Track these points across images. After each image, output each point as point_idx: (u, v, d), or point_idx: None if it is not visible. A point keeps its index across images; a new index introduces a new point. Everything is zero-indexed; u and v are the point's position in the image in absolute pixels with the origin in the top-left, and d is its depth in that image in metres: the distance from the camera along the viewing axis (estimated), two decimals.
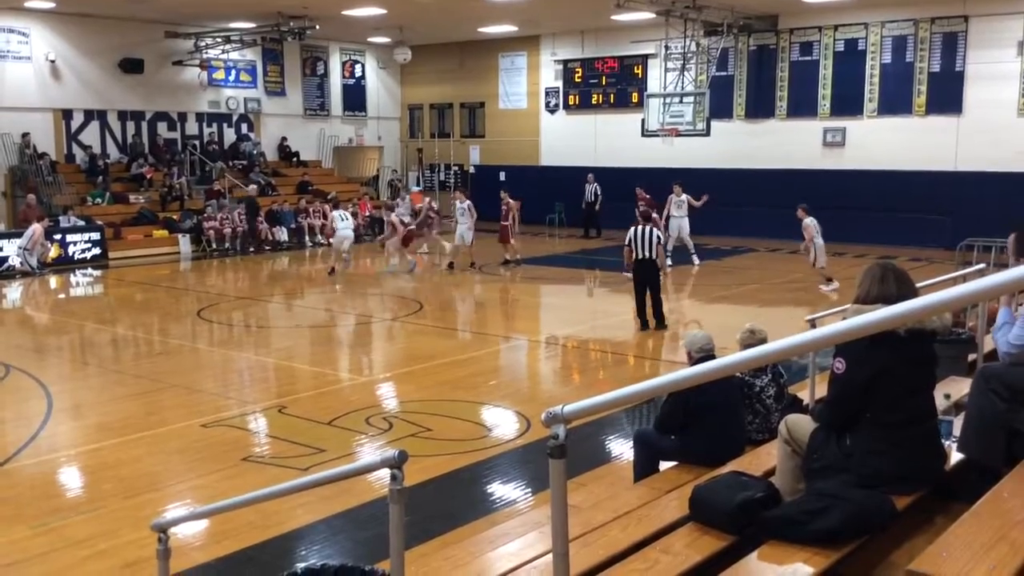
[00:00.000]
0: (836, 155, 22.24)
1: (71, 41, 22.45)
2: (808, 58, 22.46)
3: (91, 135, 23.24)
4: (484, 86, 28.16)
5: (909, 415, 4.01)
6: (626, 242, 12.51)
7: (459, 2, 20.71)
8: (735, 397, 5.76)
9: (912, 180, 20.84)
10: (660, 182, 23.47)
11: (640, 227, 12.29)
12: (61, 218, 20.28)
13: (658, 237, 12.25)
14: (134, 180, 23.09)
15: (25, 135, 21.70)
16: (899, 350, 3.92)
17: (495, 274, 18.31)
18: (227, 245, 21.78)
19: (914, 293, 4.09)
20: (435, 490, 6.78)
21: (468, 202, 18.98)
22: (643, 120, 23.16)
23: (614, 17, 21.67)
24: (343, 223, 18.35)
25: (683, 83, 21.75)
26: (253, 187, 23.97)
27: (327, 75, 28.18)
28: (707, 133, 21.76)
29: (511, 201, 19.66)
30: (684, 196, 18.86)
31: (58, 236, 19.64)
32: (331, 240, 18.93)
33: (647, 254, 12.20)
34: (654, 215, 13.80)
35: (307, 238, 23.18)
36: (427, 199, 21.90)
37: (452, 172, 28.97)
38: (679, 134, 21.98)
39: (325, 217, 23.64)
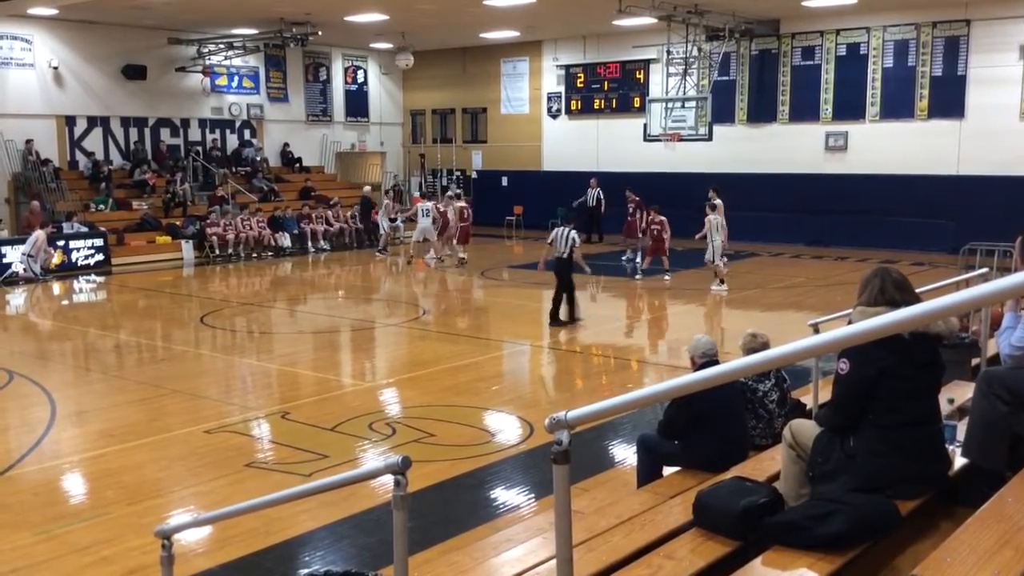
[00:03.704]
0: (838, 159, 22.24)
1: (74, 48, 22.51)
2: (810, 62, 22.47)
3: (94, 141, 23.29)
4: (486, 91, 28.19)
5: (912, 418, 4.01)
6: (548, 240, 13.39)
7: (461, 8, 20.74)
8: (738, 402, 5.75)
9: (914, 184, 20.83)
10: (662, 187, 23.55)
11: (561, 228, 13.19)
12: (64, 224, 20.31)
13: (574, 239, 13.06)
14: (137, 186, 23.13)
15: (28, 142, 21.74)
16: (903, 352, 3.92)
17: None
18: (230, 251, 21.80)
19: (914, 297, 4.10)
20: (438, 496, 6.77)
21: (430, 204, 20.89)
22: (645, 125, 23.20)
23: (616, 22, 21.70)
24: (424, 218, 20.00)
25: (685, 88, 21.77)
26: (368, 187, 25.09)
27: (329, 81, 28.23)
28: (709, 138, 21.79)
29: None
30: (718, 201, 18.69)
31: (61, 242, 19.66)
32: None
33: (564, 254, 13.03)
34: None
35: (310, 244, 23.20)
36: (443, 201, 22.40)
37: (454, 177, 28.99)
38: (681, 139, 22.01)
39: (329, 223, 23.79)
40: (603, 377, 11.18)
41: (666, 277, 17.67)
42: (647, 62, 24.77)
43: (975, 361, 6.70)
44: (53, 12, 20.76)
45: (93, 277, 19.51)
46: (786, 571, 3.52)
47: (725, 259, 16.42)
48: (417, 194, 27.37)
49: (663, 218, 17.67)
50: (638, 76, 25.09)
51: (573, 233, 13.13)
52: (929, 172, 20.78)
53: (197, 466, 7.59)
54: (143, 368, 11.46)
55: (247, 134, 26.46)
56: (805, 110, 22.56)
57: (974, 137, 20.28)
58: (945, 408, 4.80)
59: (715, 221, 16.23)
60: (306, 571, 5.69)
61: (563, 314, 13.32)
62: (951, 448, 4.38)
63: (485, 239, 21.09)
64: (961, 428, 4.60)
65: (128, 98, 23.58)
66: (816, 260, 20.52)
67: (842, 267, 19.22)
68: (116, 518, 6.48)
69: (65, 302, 17.58)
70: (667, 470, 5.71)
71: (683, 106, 21.47)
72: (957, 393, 5.34)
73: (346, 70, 28.69)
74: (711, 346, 5.91)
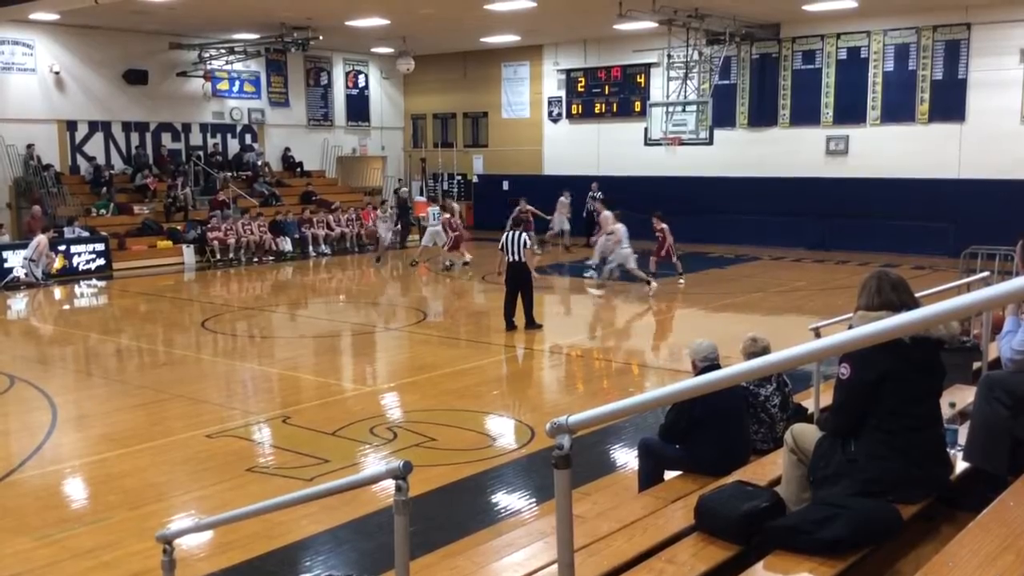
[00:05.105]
0: (839, 163, 22.25)
1: (75, 52, 22.55)
2: (811, 66, 22.49)
3: (95, 146, 23.32)
4: (487, 96, 28.21)
5: (914, 422, 4.01)
6: (499, 246, 13.33)
7: (462, 12, 20.77)
8: (739, 406, 5.75)
9: (915, 188, 20.83)
10: (663, 191, 23.59)
11: (511, 232, 13.13)
12: (65, 229, 20.33)
13: (525, 241, 13.05)
14: (138, 191, 23.16)
15: (30, 146, 21.77)
16: (904, 356, 3.92)
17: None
18: (231, 255, 21.81)
19: (912, 299, 4.10)
20: (440, 500, 6.77)
21: (439, 209, 21.19)
22: (646, 129, 23.19)
23: (616, 26, 21.71)
24: (433, 221, 20.33)
25: (686, 92, 21.77)
26: (404, 189, 25.67)
27: (330, 85, 28.27)
28: (710, 142, 21.79)
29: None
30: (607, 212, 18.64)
31: (62, 247, 19.68)
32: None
33: (517, 257, 12.96)
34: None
35: (311, 248, 23.21)
36: (457, 207, 22.46)
37: (455, 181, 29.01)
38: (682, 143, 22.00)
39: (330, 227, 23.83)
40: (604, 381, 11.18)
41: (667, 281, 17.60)
42: (648, 66, 24.80)
43: (976, 365, 6.70)
44: (55, 17, 20.82)
45: (94, 281, 19.52)
46: (788, 575, 3.52)
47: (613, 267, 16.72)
48: (421, 198, 27.36)
49: (664, 225, 17.63)
50: (639, 80, 25.12)
51: (524, 236, 13.11)
52: (930, 176, 20.77)
53: (198, 470, 7.59)
54: (144, 372, 11.46)
55: (248, 138, 26.50)
56: (806, 114, 22.58)
57: (975, 141, 20.28)
58: (946, 412, 4.80)
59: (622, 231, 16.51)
60: None
61: (520, 319, 13.20)
62: (952, 452, 4.37)
63: (486, 242, 21.08)
64: (962, 432, 4.59)
65: (129, 103, 23.62)
66: (817, 264, 20.51)
67: (843, 271, 19.22)
68: (117, 523, 6.48)
69: (66, 306, 17.60)
70: (668, 474, 5.70)
71: (684, 110, 21.48)
72: (958, 397, 5.33)
73: (347, 74, 28.73)
74: (712, 350, 5.91)
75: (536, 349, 12.50)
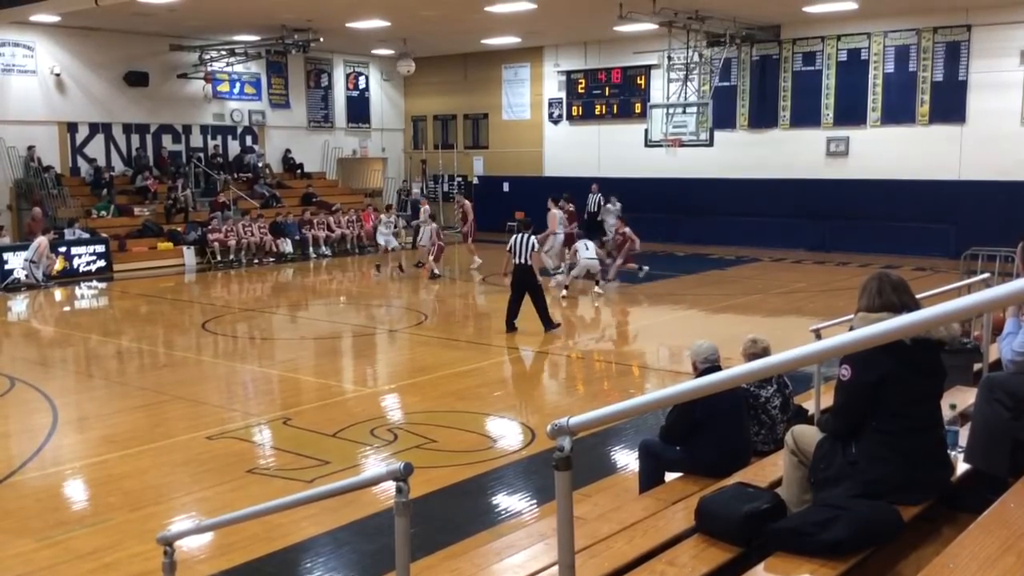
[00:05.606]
0: (839, 164, 22.24)
1: (76, 54, 22.56)
2: (811, 68, 22.49)
3: (96, 148, 23.33)
4: (487, 97, 28.22)
5: (915, 424, 4.01)
6: (507, 248, 13.34)
7: (462, 14, 20.77)
8: (740, 407, 5.75)
9: (916, 189, 20.83)
10: (663, 193, 23.61)
11: (518, 235, 13.14)
12: (66, 231, 20.34)
13: (533, 244, 13.09)
14: (139, 192, 23.17)
15: (30, 148, 21.78)
16: (905, 357, 3.93)
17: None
18: (232, 257, 21.81)
19: (913, 300, 4.11)
20: (440, 501, 6.77)
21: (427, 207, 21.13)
22: (646, 130, 23.19)
23: (617, 28, 21.72)
24: (433, 223, 20.23)
25: (686, 93, 21.77)
26: (416, 192, 25.34)
27: (331, 87, 28.27)
28: (710, 143, 21.77)
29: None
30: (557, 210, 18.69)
31: (63, 248, 19.69)
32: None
33: (523, 260, 12.99)
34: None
35: (311, 250, 23.22)
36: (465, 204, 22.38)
37: (456, 183, 29.01)
38: (682, 144, 21.98)
39: (330, 229, 23.82)
40: (605, 383, 11.18)
41: (640, 273, 17.58)
42: (648, 68, 24.80)
43: (977, 366, 6.70)
44: (55, 19, 20.82)
45: (95, 283, 19.52)
46: None
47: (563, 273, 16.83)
48: (423, 199, 27.29)
49: (627, 229, 17.66)
50: (639, 82, 25.13)
51: (533, 239, 13.11)
52: (930, 177, 20.76)
53: (199, 472, 7.60)
54: (145, 374, 11.46)
55: (249, 140, 26.50)
56: (806, 115, 22.57)
57: (975, 142, 20.27)
58: (947, 413, 4.79)
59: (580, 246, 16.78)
60: None
61: (535, 323, 13.11)
62: (953, 454, 4.37)
63: (486, 244, 21.08)
64: (963, 433, 4.60)
65: (130, 104, 23.62)
66: (817, 265, 20.51)
67: (843, 272, 19.23)
68: (118, 524, 6.48)
69: (67, 308, 17.60)
70: (669, 476, 5.70)
71: (684, 112, 21.46)
72: (959, 398, 5.33)
73: (347, 76, 28.74)
74: (712, 351, 5.91)
75: (537, 351, 12.50)
